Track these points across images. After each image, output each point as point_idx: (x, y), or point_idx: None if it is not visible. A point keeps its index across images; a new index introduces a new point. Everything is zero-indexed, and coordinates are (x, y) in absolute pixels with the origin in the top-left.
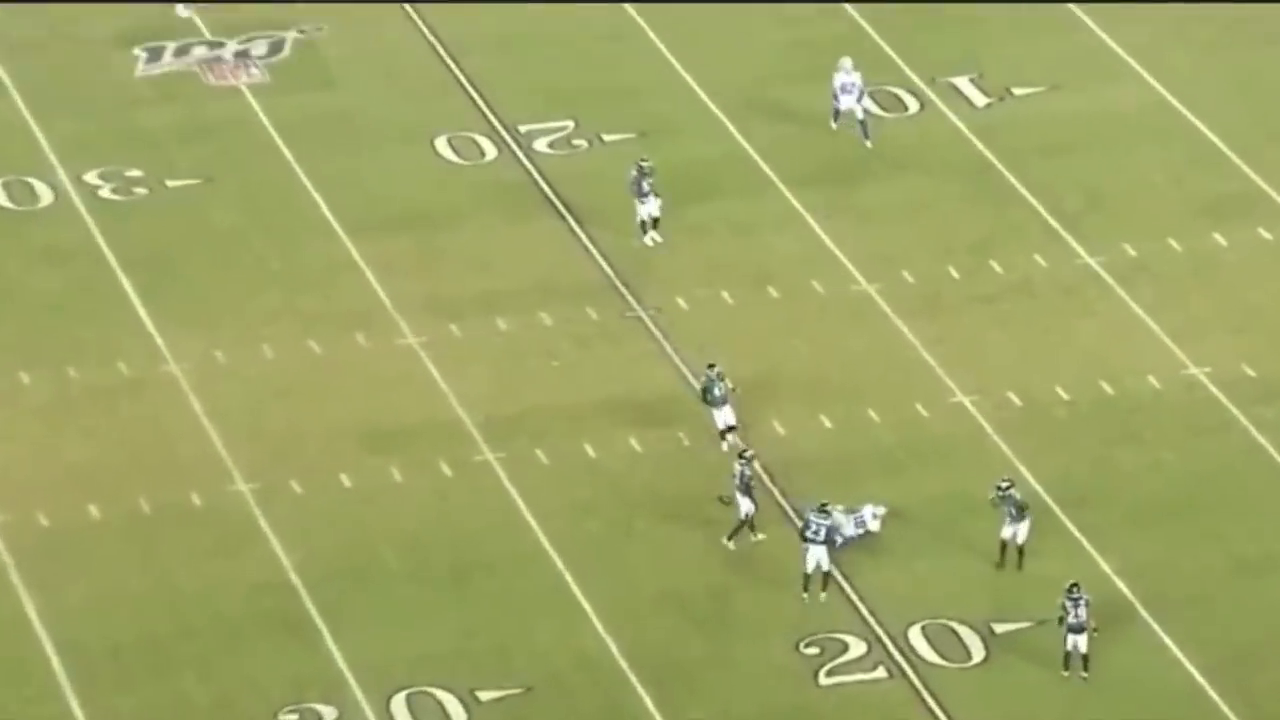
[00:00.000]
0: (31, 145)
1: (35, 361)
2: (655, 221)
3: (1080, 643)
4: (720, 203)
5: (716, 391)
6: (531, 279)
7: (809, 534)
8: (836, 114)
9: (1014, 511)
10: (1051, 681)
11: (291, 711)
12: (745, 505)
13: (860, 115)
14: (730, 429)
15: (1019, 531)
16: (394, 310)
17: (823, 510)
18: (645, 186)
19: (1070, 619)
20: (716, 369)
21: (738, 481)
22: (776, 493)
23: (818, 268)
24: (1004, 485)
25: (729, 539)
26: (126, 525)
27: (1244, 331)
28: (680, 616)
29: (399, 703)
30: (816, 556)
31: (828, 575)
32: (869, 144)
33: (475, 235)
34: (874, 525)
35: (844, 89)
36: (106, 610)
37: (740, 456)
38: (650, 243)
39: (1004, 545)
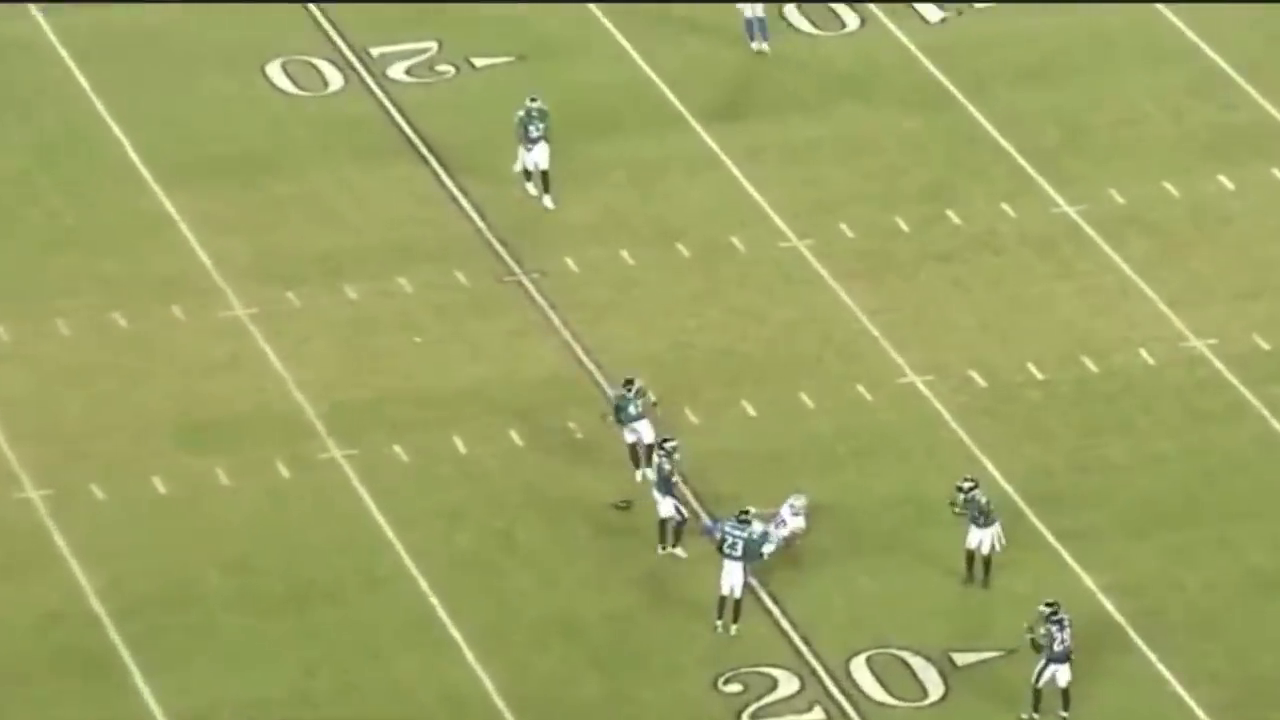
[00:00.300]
0: None
1: None
2: (545, 176)
3: (1061, 675)
4: (618, 142)
5: (631, 410)
6: (387, 236)
7: (725, 548)
8: (750, 29)
9: (978, 516)
10: None
11: None
12: (666, 507)
13: (759, 13)
14: (648, 449)
15: (985, 540)
16: (218, 276)
17: (742, 520)
18: (534, 132)
19: (1057, 645)
20: (636, 385)
21: (655, 477)
22: (690, 496)
23: (737, 220)
24: (966, 485)
25: (673, 546)
26: None
27: (1256, 295)
28: (571, 647)
29: None
30: (732, 578)
31: (740, 604)
32: (761, 47)
33: (317, 183)
34: (796, 522)
35: None
36: None
37: (660, 447)
38: (540, 201)
39: (971, 557)
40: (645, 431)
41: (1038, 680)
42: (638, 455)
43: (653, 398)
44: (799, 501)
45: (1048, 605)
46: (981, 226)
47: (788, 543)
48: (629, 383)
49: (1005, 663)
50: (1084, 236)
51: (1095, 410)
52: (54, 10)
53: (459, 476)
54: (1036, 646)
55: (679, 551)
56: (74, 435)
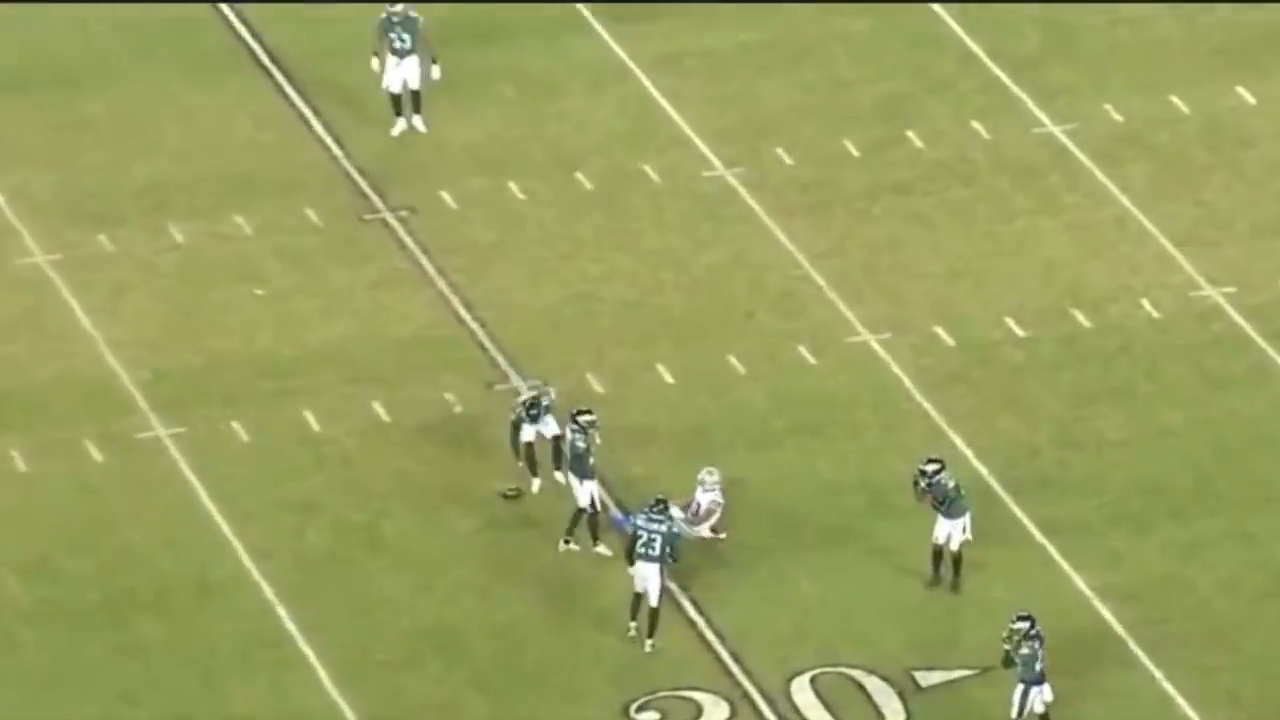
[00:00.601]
0: None
1: None
2: (416, 96)
3: (1041, 698)
4: (503, 48)
5: (528, 416)
6: (221, 166)
7: (639, 546)
8: None
9: (945, 505)
10: None
11: None
12: (583, 494)
13: None
14: (557, 439)
15: (954, 534)
16: (11, 214)
17: (658, 510)
18: (399, 42)
19: (1038, 664)
20: (545, 402)
21: (567, 456)
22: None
23: (650, 143)
24: (931, 467)
25: (593, 542)
26: None
27: None
28: (451, 666)
29: None
30: (646, 580)
31: (657, 613)
32: None
33: (136, 101)
34: (708, 498)
35: None
36: None
37: (573, 420)
38: (406, 127)
39: (937, 554)
40: (550, 426)
41: (1020, 711)
42: (534, 460)
43: (552, 391)
44: (711, 477)
45: (1022, 619)
46: (948, 151)
47: (714, 530)
48: (534, 403)
49: (978, 683)
50: (1073, 162)
51: (1088, 374)
52: None
53: (311, 459)
54: (1009, 662)
55: (603, 549)
56: None
